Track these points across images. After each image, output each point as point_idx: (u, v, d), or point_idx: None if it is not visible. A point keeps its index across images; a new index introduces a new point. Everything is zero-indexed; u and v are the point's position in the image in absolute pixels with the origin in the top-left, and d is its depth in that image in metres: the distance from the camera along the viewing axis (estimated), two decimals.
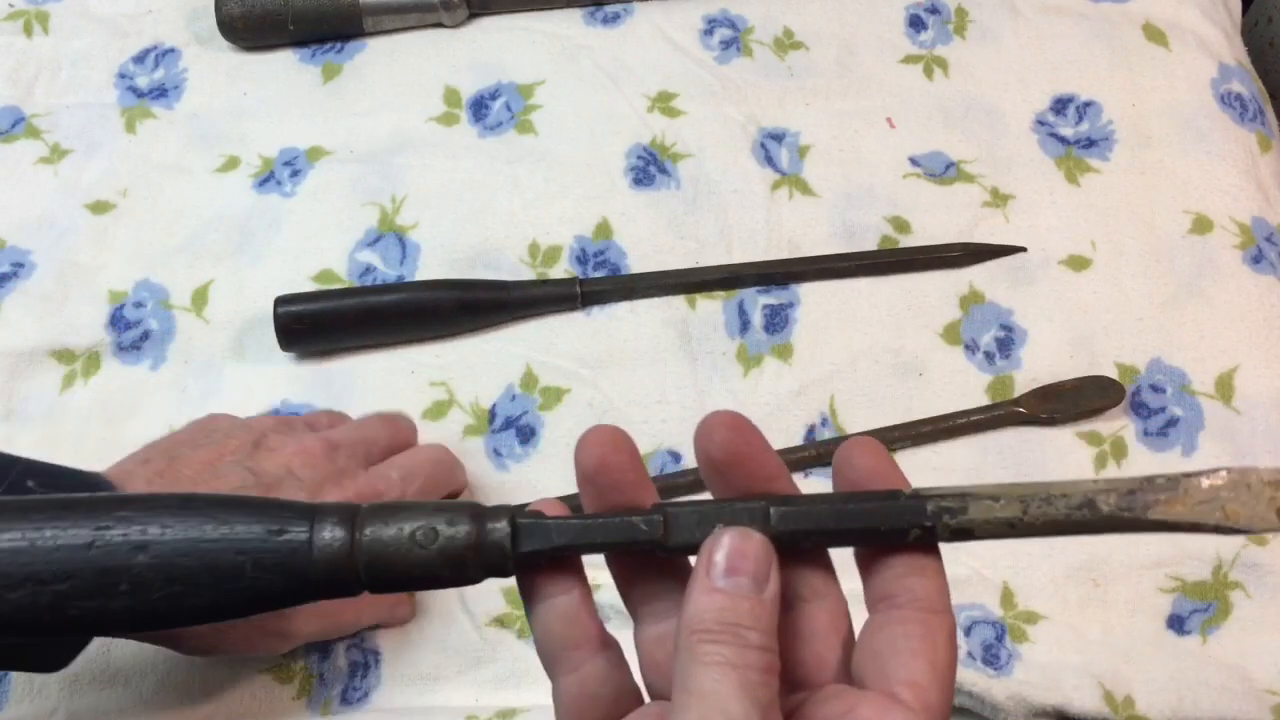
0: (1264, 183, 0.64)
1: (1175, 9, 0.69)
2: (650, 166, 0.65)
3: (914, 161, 0.65)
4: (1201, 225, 0.62)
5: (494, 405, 0.59)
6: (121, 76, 0.70)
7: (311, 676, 0.53)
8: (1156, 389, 0.58)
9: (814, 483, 0.56)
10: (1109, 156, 0.65)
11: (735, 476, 0.31)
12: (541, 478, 0.57)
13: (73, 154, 0.67)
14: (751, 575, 0.29)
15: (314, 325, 0.59)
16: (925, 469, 0.56)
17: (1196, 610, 0.53)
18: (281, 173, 0.66)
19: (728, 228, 0.63)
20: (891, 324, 0.60)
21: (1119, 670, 0.51)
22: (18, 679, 0.53)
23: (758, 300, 0.61)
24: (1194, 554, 0.54)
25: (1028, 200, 0.63)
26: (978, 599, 0.53)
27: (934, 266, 0.61)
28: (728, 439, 0.31)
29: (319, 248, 0.63)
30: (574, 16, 0.71)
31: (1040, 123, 0.66)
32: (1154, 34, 0.68)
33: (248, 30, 0.69)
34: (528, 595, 0.32)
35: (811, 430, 0.58)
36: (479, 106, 0.68)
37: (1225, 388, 0.58)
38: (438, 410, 0.59)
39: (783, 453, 0.56)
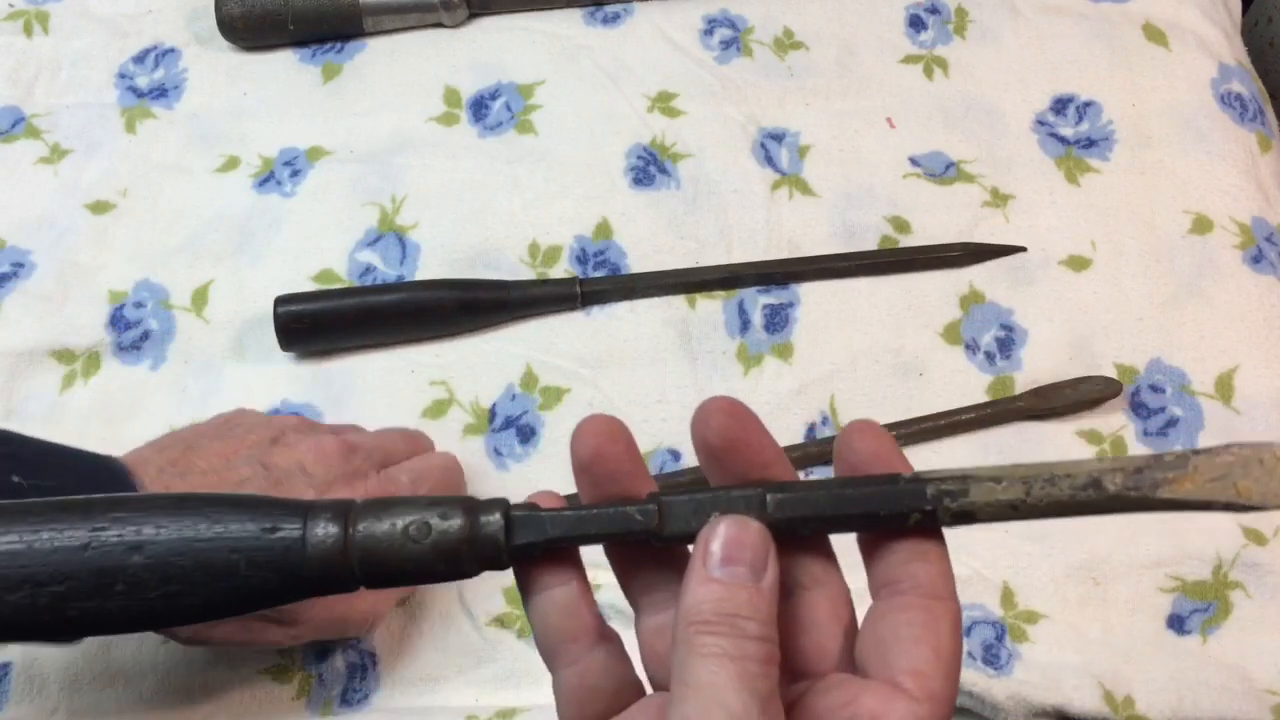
0: (1264, 183, 0.64)
1: (1175, 9, 0.69)
2: (650, 166, 0.65)
3: (914, 161, 0.65)
4: (1201, 225, 0.62)
5: (494, 405, 0.59)
6: (121, 76, 0.70)
7: (311, 677, 0.53)
8: (1156, 389, 0.58)
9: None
10: (1109, 156, 0.65)
11: (732, 463, 0.31)
12: (541, 477, 0.57)
13: (73, 154, 0.67)
14: (749, 564, 0.28)
15: (314, 325, 0.59)
16: (924, 466, 0.56)
17: (1196, 610, 0.53)
18: (281, 173, 0.66)
19: (728, 228, 0.63)
20: (892, 324, 0.60)
21: (1119, 670, 0.51)
22: (18, 679, 0.53)
23: (758, 300, 0.61)
24: (1194, 554, 0.54)
25: (1028, 200, 0.63)
26: (978, 599, 0.53)
27: (934, 266, 0.61)
28: (725, 424, 0.31)
29: (319, 248, 0.63)
30: (574, 16, 0.71)
31: (1040, 123, 0.66)
32: (1154, 34, 0.68)
33: (248, 30, 0.69)
34: (524, 588, 0.31)
35: (812, 429, 0.58)
36: (479, 106, 0.68)
37: (1225, 388, 0.58)
38: (438, 410, 0.59)
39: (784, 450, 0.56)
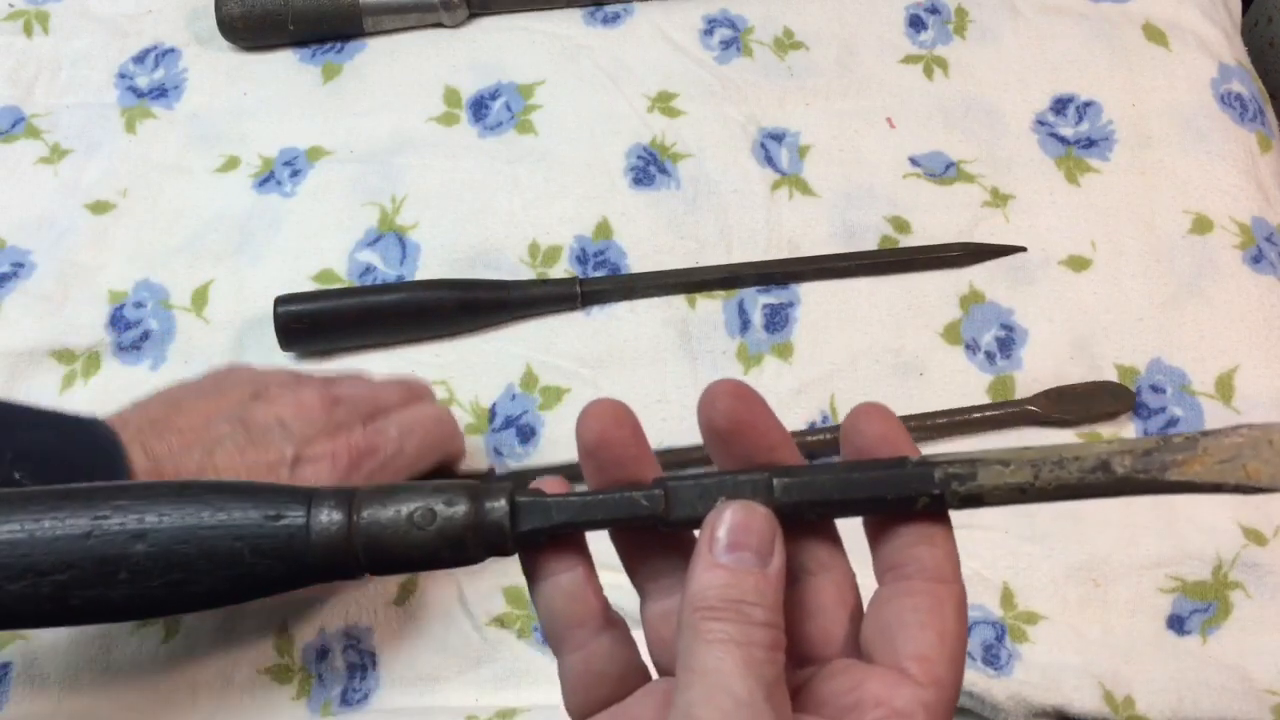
0: (1264, 183, 0.64)
1: (1175, 9, 0.69)
2: (650, 166, 0.65)
3: (914, 161, 0.65)
4: (1201, 225, 0.62)
5: (494, 404, 0.59)
6: (121, 76, 0.70)
7: (311, 677, 0.53)
8: (1157, 389, 0.58)
9: None
10: (1109, 156, 0.65)
11: (739, 446, 0.31)
12: None
13: (73, 154, 0.67)
14: (755, 550, 0.28)
15: (314, 325, 0.59)
16: None
17: (1196, 610, 0.53)
18: (281, 173, 0.66)
19: (728, 228, 0.63)
20: (892, 324, 0.60)
21: (1119, 670, 0.51)
22: (18, 679, 0.53)
23: (758, 300, 0.61)
24: (1194, 554, 0.54)
25: (1028, 200, 0.63)
26: (978, 599, 0.53)
27: (934, 266, 0.61)
28: (731, 407, 0.30)
29: (319, 248, 0.63)
30: (574, 16, 0.71)
31: (1040, 123, 0.66)
32: (1154, 34, 0.68)
33: (248, 30, 0.69)
34: (530, 573, 0.31)
35: (812, 428, 0.58)
36: (479, 106, 0.68)
37: (1225, 388, 0.58)
38: None
39: (795, 435, 0.56)
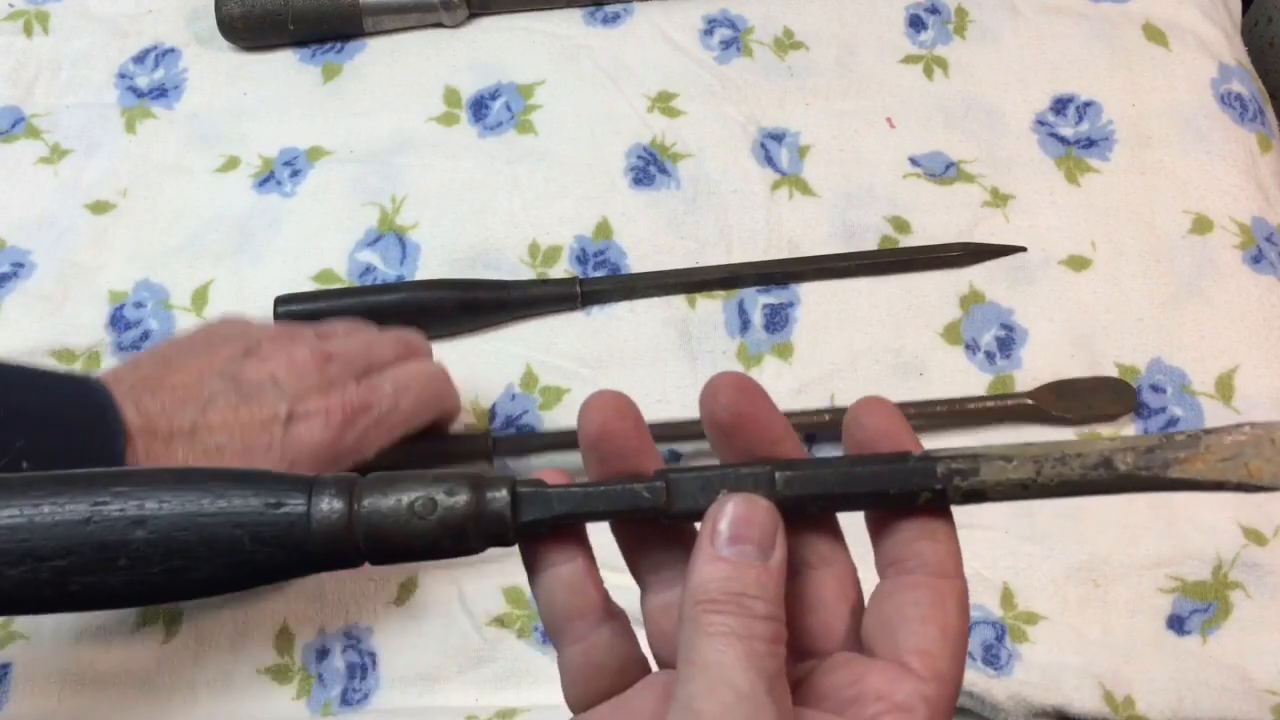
0: (1264, 183, 0.64)
1: (1175, 9, 0.69)
2: (650, 166, 0.65)
3: (914, 161, 0.65)
4: (1201, 225, 0.62)
5: (494, 404, 0.59)
6: (121, 76, 0.70)
7: (311, 677, 0.53)
8: (1156, 389, 0.58)
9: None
10: (1109, 156, 0.65)
11: (740, 438, 0.31)
12: None
13: (73, 154, 0.67)
14: (757, 543, 0.28)
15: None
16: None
17: (1196, 610, 0.53)
18: (281, 173, 0.66)
19: (728, 228, 0.63)
20: (892, 323, 0.60)
21: (1119, 670, 0.51)
22: (18, 679, 0.53)
23: (758, 300, 0.61)
24: (1194, 554, 0.54)
25: (1028, 200, 0.63)
26: (978, 599, 0.53)
27: (934, 266, 0.61)
28: (733, 399, 0.30)
29: (319, 248, 0.63)
30: (574, 16, 0.71)
31: (1040, 123, 0.66)
32: (1154, 34, 0.68)
33: (248, 30, 0.69)
34: (530, 564, 0.31)
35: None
36: (479, 106, 0.68)
37: (1225, 388, 0.58)
38: None
39: (792, 416, 0.56)
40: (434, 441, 0.55)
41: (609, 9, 0.71)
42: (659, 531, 0.32)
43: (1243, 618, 0.53)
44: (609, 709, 0.31)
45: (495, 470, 0.56)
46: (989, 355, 0.59)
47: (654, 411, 0.58)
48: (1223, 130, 0.65)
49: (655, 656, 0.33)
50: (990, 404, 0.57)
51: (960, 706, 0.50)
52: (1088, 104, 0.66)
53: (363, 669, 0.53)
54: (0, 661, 0.53)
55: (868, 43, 0.69)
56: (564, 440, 0.56)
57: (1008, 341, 0.60)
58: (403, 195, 0.65)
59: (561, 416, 0.59)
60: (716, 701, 0.26)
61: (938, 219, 0.63)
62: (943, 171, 0.65)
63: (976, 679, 0.50)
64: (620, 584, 0.33)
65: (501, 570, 0.54)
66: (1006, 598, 0.54)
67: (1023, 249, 0.62)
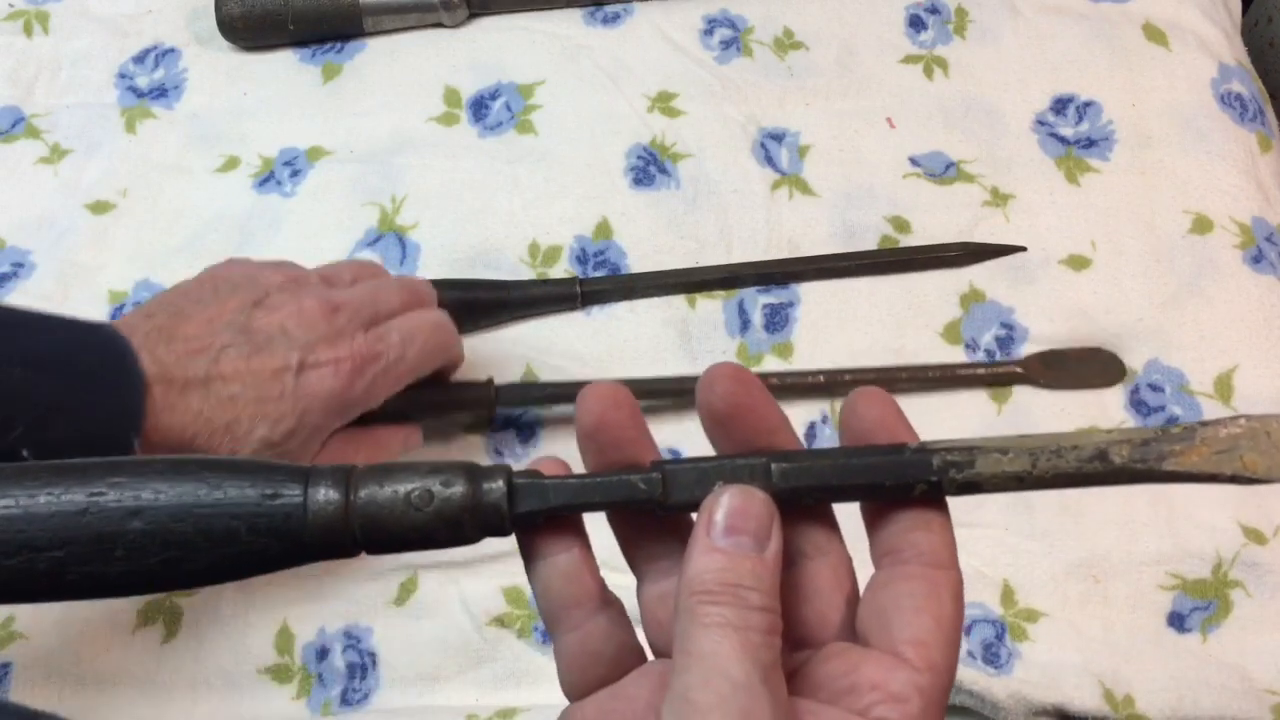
0: (1264, 183, 0.64)
1: (1175, 9, 0.69)
2: (650, 166, 0.65)
3: (914, 161, 0.65)
4: (1201, 225, 0.62)
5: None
6: (121, 76, 0.70)
7: (311, 677, 0.53)
8: (1155, 388, 0.58)
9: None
10: (1109, 156, 0.65)
11: (737, 429, 0.31)
12: None
13: (73, 154, 0.67)
14: (752, 534, 0.28)
15: None
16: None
17: (1197, 608, 0.53)
18: (281, 173, 0.66)
19: (728, 228, 0.63)
20: (892, 323, 0.60)
21: (1119, 669, 0.51)
22: (18, 679, 0.53)
23: (758, 300, 0.61)
24: (1194, 552, 0.54)
25: (1028, 200, 0.63)
26: (978, 597, 0.53)
27: (934, 266, 0.61)
28: (729, 390, 0.31)
29: (319, 248, 0.63)
30: (574, 16, 0.71)
31: (1040, 123, 0.66)
32: (1154, 34, 0.68)
33: (248, 30, 0.69)
34: (527, 554, 0.31)
35: (812, 428, 0.58)
36: (479, 106, 0.68)
37: (1224, 388, 0.58)
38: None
39: (794, 375, 0.58)
40: (438, 389, 0.56)
41: (609, 9, 0.71)
42: (655, 522, 0.32)
43: (1243, 617, 0.53)
44: (604, 697, 0.32)
45: (498, 418, 0.57)
46: (989, 354, 0.59)
47: (653, 411, 0.58)
48: (1223, 130, 0.65)
49: (651, 646, 0.33)
50: (981, 371, 0.58)
51: (961, 705, 0.50)
52: (1088, 104, 0.66)
53: (363, 669, 0.53)
54: (0, 661, 0.53)
55: (868, 43, 0.69)
56: (566, 392, 0.56)
57: (1008, 341, 0.60)
58: (403, 195, 0.65)
59: (561, 416, 0.59)
60: (712, 692, 0.26)
61: (938, 219, 0.63)
62: (943, 171, 0.65)
63: (977, 678, 0.50)
64: (619, 584, 0.33)
65: (502, 570, 0.54)
66: (1006, 595, 0.54)
67: (1023, 248, 0.62)
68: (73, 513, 0.28)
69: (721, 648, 0.27)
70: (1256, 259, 0.61)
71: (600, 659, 0.31)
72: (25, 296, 0.62)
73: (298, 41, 0.71)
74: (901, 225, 0.63)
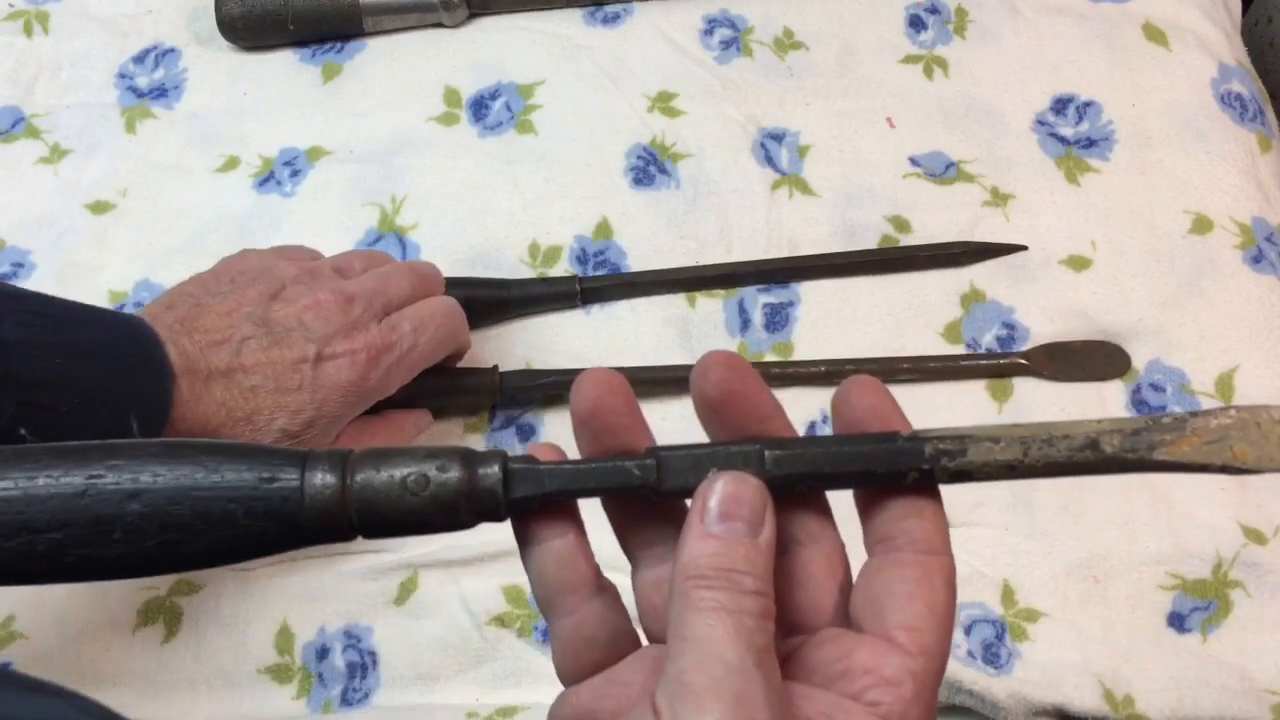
0: (1264, 183, 0.64)
1: (1175, 9, 0.69)
2: (650, 166, 0.65)
3: (914, 161, 0.65)
4: (1201, 225, 0.62)
5: (494, 403, 0.59)
6: (121, 76, 0.70)
7: (311, 677, 0.53)
8: (1156, 388, 0.58)
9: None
10: (1109, 156, 0.65)
11: (731, 417, 0.31)
12: None
13: (73, 154, 0.67)
14: (746, 520, 0.29)
15: None
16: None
17: (1197, 608, 0.53)
18: (281, 173, 0.66)
19: (728, 227, 0.63)
20: (892, 323, 0.60)
21: (1119, 669, 0.51)
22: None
23: (758, 299, 0.61)
24: (1194, 552, 0.54)
25: (1028, 200, 0.63)
26: (978, 597, 0.53)
27: (934, 265, 0.61)
28: (723, 378, 0.31)
29: (319, 248, 0.63)
30: (574, 16, 0.71)
31: (1040, 123, 0.66)
32: (1154, 34, 0.68)
33: (248, 30, 0.69)
34: (522, 540, 0.32)
35: (812, 428, 0.58)
36: (479, 106, 0.68)
37: (1225, 388, 0.58)
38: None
39: (796, 364, 0.58)
40: (444, 375, 0.56)
41: (609, 9, 0.71)
42: (650, 508, 0.32)
43: (1243, 617, 0.53)
44: (599, 682, 0.32)
45: (501, 401, 0.58)
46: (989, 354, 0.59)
47: (653, 411, 0.58)
48: (1223, 130, 0.65)
49: (645, 631, 0.33)
50: (983, 362, 0.58)
51: (960, 705, 0.50)
52: (1088, 104, 0.66)
53: (363, 668, 0.53)
54: (0, 661, 0.53)
55: (868, 43, 0.69)
56: (570, 380, 0.56)
57: (1008, 340, 0.60)
58: (403, 195, 0.65)
59: (561, 416, 0.59)
60: (706, 675, 0.26)
61: (938, 218, 0.63)
62: (943, 171, 0.65)
63: (977, 678, 0.50)
64: (616, 582, 0.33)
65: (502, 569, 0.54)
66: (1007, 595, 0.54)
67: (1023, 248, 0.62)
68: (71, 495, 0.29)
69: (715, 631, 0.27)
70: (1257, 259, 0.61)
71: (595, 644, 0.32)
72: None
73: (298, 41, 0.71)
74: (902, 225, 0.63)
